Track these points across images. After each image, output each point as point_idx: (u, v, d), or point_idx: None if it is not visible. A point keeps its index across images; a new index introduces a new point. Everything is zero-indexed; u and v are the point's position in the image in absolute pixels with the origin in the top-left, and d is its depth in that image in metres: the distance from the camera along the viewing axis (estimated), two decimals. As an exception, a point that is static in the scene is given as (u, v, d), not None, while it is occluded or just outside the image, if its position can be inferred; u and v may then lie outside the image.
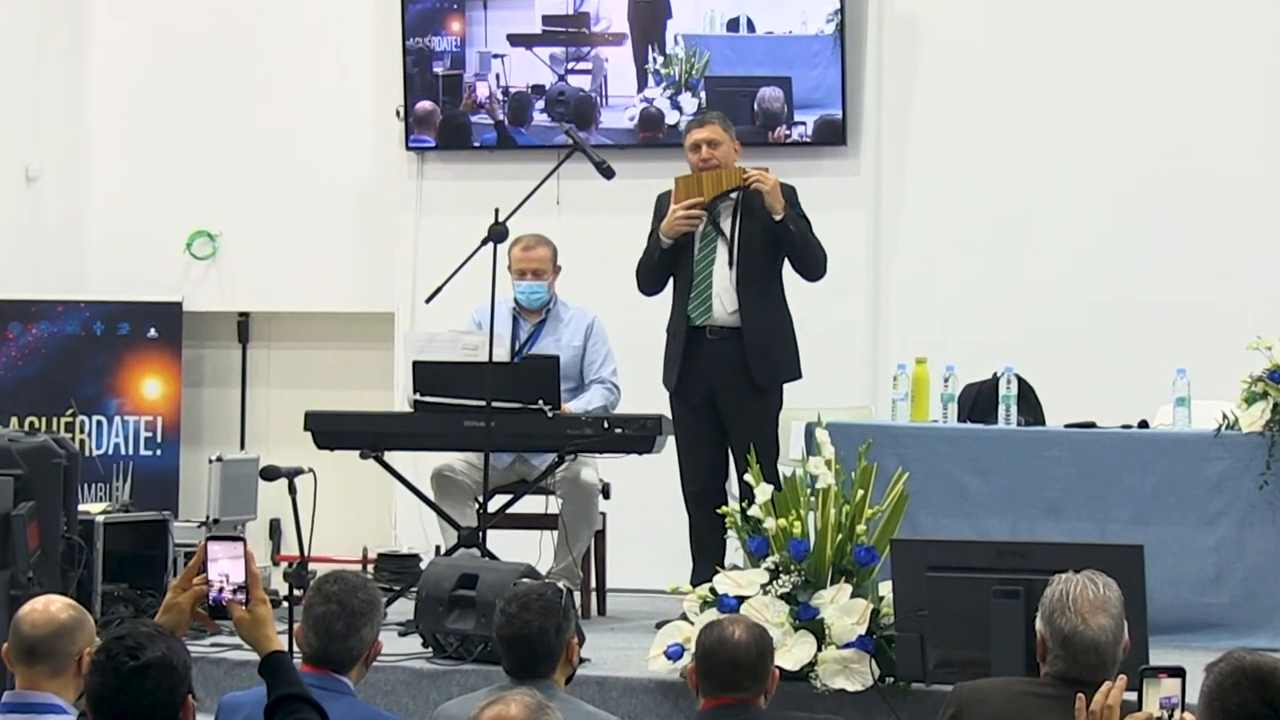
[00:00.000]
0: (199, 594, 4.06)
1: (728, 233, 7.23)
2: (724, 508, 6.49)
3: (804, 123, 9.11)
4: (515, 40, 9.52)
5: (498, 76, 9.55)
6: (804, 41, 9.08)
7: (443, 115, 9.57)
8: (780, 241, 7.22)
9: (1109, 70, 8.72)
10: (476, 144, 9.52)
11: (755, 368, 7.15)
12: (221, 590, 4.06)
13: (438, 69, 9.58)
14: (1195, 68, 8.63)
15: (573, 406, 7.46)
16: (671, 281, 7.36)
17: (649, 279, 7.39)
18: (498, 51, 9.54)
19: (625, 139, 9.25)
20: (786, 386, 7.33)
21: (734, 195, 7.24)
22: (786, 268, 7.31)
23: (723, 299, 7.20)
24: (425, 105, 9.54)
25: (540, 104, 9.51)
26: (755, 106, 9.15)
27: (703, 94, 9.23)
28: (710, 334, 7.20)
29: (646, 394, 7.43)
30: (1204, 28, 8.65)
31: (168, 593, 4.11)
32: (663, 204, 7.35)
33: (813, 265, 7.30)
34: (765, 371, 7.18)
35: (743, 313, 7.16)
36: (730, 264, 7.20)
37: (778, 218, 7.15)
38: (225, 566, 4.07)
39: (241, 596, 4.05)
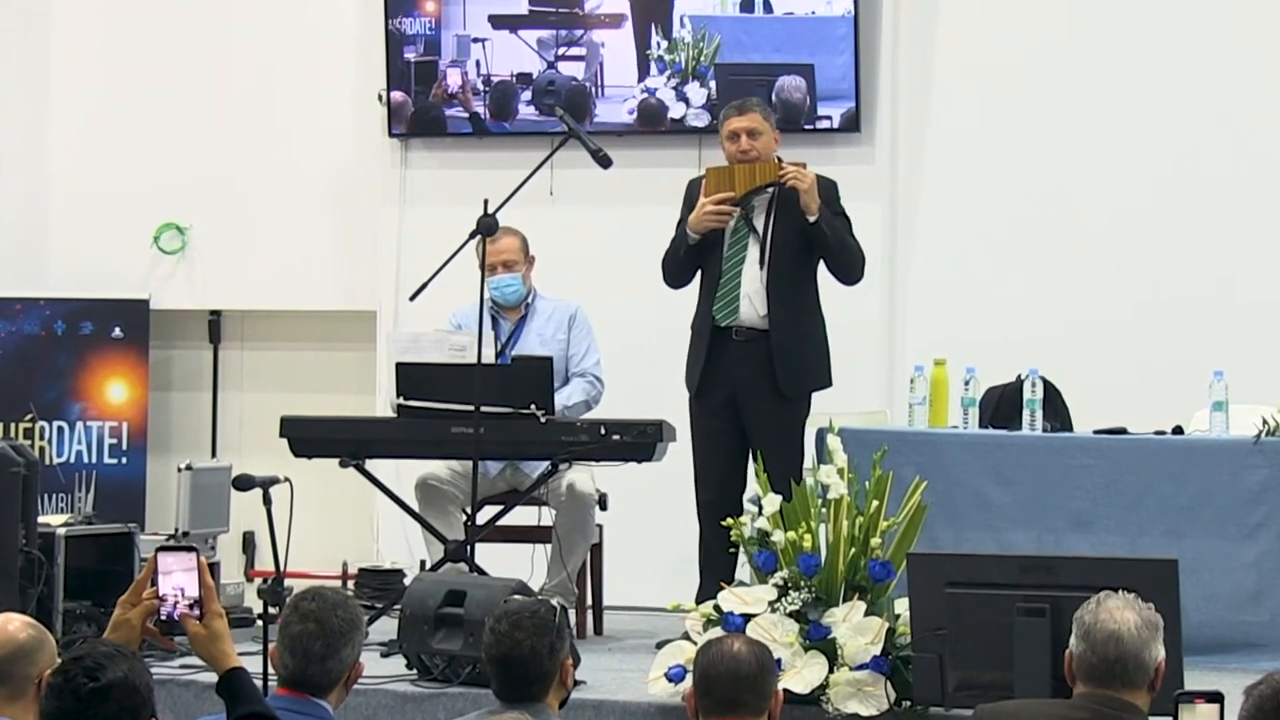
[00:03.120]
0: (150, 608, 4.06)
1: (760, 230, 7.22)
2: (731, 519, 6.48)
3: (829, 116, 8.95)
4: (498, 22, 9.29)
5: (478, 63, 9.32)
6: (828, 24, 8.87)
7: (414, 108, 9.40)
8: (815, 243, 7.20)
9: (1140, 53, 8.70)
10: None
11: (782, 373, 7.13)
12: (175, 604, 4.06)
13: (409, 55, 9.38)
14: (1231, 49, 8.62)
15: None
16: (699, 278, 7.34)
17: (674, 273, 7.37)
18: (478, 35, 9.30)
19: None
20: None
21: (770, 190, 7.22)
22: (822, 270, 7.30)
23: (752, 300, 7.18)
24: (396, 96, 9.41)
25: (526, 95, 9.28)
26: (773, 98, 8.91)
27: (712, 83, 9.01)
28: (736, 335, 7.19)
29: (645, 397, 7.42)
30: (1244, 5, 8.64)
31: (116, 608, 4.10)
32: (693, 192, 7.33)
33: (849, 268, 7.28)
34: (792, 378, 7.16)
35: (771, 316, 7.15)
36: (761, 264, 7.18)
37: (812, 218, 7.14)
38: (179, 579, 4.07)
39: (196, 611, 4.05)
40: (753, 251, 7.21)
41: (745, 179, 7.18)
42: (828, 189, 7.26)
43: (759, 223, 7.22)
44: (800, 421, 7.22)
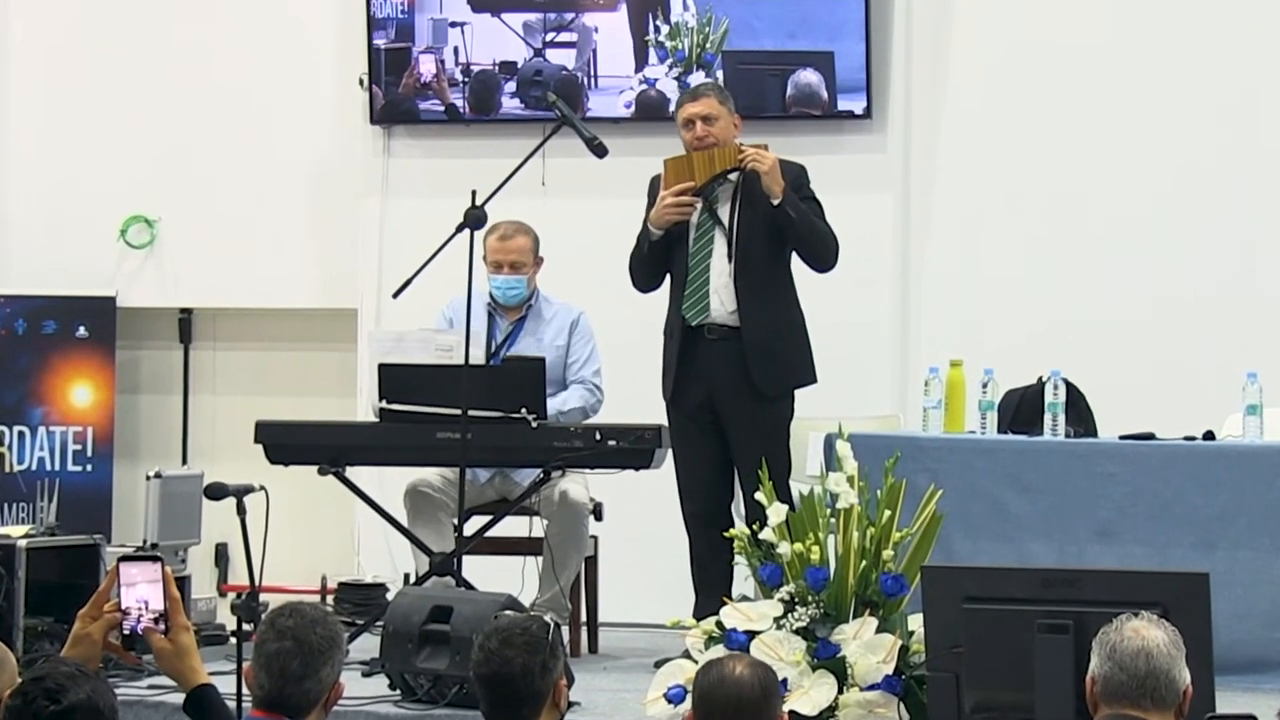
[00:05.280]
0: (112, 622, 4.06)
1: (726, 221, 7.24)
2: (730, 530, 6.49)
3: (850, 111, 8.83)
4: (478, 4, 9.11)
5: (456, 51, 9.12)
6: (848, 6, 8.71)
7: (385, 99, 9.25)
8: (782, 228, 7.21)
9: (1167, 37, 8.69)
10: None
11: (757, 371, 7.16)
12: (139, 618, 4.05)
13: (379, 41, 9.20)
14: (1269, 29, 8.61)
15: (548, 405, 7.45)
16: (669, 276, 7.36)
17: (641, 274, 7.41)
18: (456, 19, 9.09)
19: (619, 124, 9.01)
20: (801, 393, 7.34)
21: (732, 178, 7.24)
22: (796, 259, 7.32)
23: (721, 295, 7.21)
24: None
25: (511, 86, 9.09)
26: (788, 90, 8.79)
27: (719, 73, 8.83)
28: (709, 334, 7.21)
29: (642, 400, 7.42)
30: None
31: (75, 622, 4.09)
32: (656, 188, 7.36)
33: (820, 254, 7.30)
34: (769, 375, 7.18)
35: (742, 310, 7.16)
36: (729, 256, 7.21)
37: (775, 201, 7.15)
38: (143, 591, 4.07)
39: (161, 625, 4.05)
40: (719, 244, 7.23)
41: (704, 166, 7.21)
42: (795, 173, 7.27)
43: (723, 213, 7.25)
44: (784, 422, 7.25)
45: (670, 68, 8.97)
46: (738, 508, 7.32)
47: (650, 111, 8.99)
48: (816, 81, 8.82)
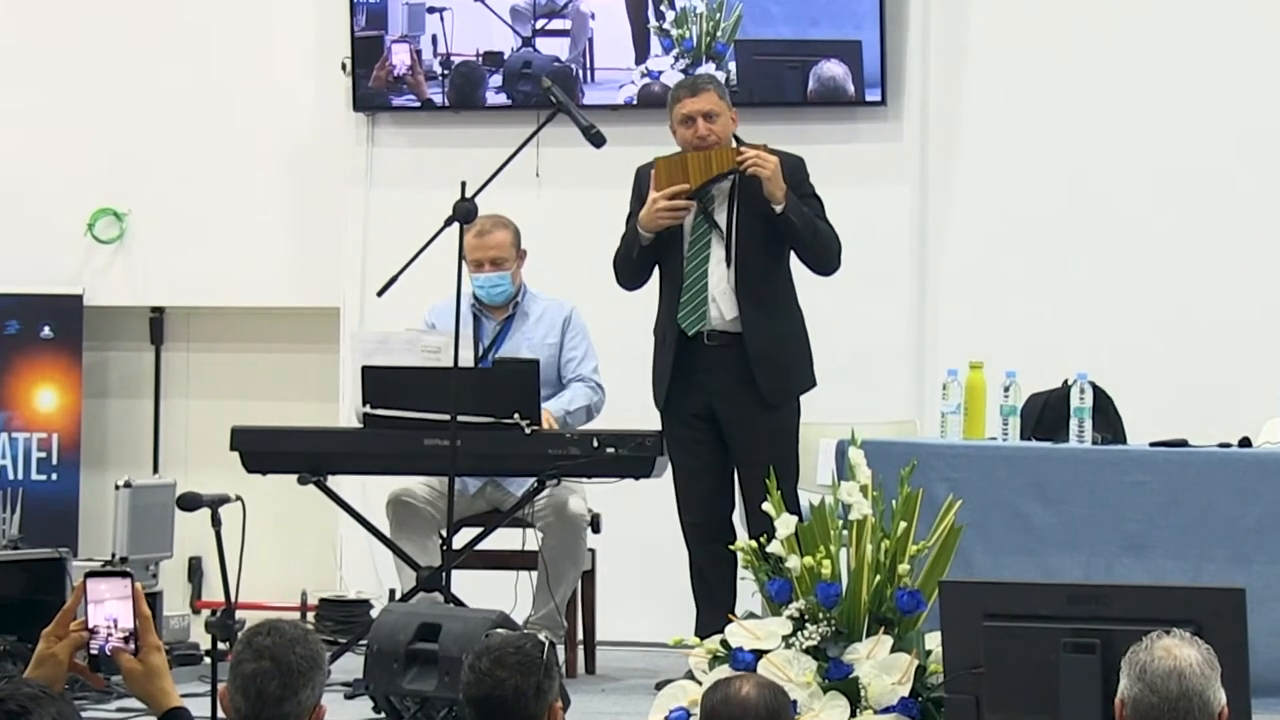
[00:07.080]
0: (78, 641, 4.06)
1: (724, 226, 7.23)
2: (735, 543, 6.49)
3: (875, 103, 8.70)
4: None
5: (435, 40, 8.95)
6: None
7: (355, 93, 9.13)
8: (784, 234, 7.21)
9: (1209, 13, 8.69)
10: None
11: (762, 380, 7.17)
12: (108, 637, 4.05)
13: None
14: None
15: (551, 406, 7.46)
16: (658, 276, 7.35)
17: (628, 274, 7.41)
18: (435, 4, 8.91)
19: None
20: (811, 397, 7.35)
21: (728, 176, 7.22)
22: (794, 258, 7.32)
23: (720, 303, 7.21)
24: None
25: (496, 80, 8.92)
26: (810, 83, 8.65)
27: (732, 65, 8.68)
28: (709, 340, 7.21)
29: (642, 404, 7.42)
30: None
31: (39, 642, 4.10)
32: (643, 181, 7.34)
33: (823, 259, 7.31)
34: (775, 384, 7.20)
35: (744, 318, 7.17)
36: (728, 262, 7.21)
37: (778, 208, 7.15)
38: (112, 608, 4.07)
39: (131, 644, 4.05)
40: (716, 249, 7.23)
41: (700, 169, 7.18)
42: (794, 167, 7.26)
43: (720, 216, 7.24)
44: (792, 430, 7.27)
45: (676, 59, 8.79)
46: (739, 518, 7.32)
47: (653, 108, 8.88)
48: (842, 74, 8.69)
